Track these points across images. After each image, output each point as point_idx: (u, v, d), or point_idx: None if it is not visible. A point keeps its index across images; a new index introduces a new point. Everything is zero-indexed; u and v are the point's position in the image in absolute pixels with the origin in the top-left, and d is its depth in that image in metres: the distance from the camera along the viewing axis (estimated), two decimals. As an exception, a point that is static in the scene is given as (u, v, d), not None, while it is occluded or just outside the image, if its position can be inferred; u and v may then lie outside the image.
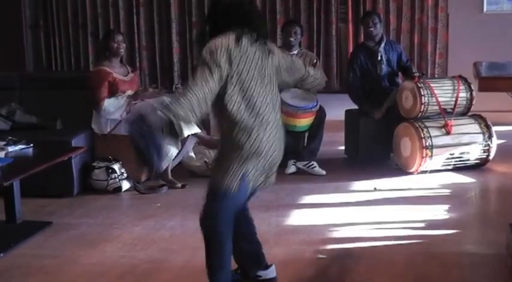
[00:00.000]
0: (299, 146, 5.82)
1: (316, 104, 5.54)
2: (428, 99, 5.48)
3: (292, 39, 5.86)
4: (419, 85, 5.51)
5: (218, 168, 3.06)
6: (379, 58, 5.96)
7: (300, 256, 3.87)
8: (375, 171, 5.63)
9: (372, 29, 5.95)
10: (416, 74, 5.76)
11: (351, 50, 7.96)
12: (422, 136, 5.40)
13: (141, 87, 5.77)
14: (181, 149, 5.42)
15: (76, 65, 8.82)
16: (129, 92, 5.48)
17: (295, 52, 5.89)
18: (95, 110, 5.43)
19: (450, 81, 5.71)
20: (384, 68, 5.99)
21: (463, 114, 5.71)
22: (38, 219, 4.68)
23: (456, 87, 5.62)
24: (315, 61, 5.98)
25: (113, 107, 5.38)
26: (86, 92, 5.47)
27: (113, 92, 5.42)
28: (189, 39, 8.49)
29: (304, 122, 5.53)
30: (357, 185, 5.36)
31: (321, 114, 5.67)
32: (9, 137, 4.80)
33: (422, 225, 4.42)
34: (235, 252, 3.24)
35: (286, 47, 5.86)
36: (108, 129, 5.44)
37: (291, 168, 5.69)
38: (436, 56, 8.05)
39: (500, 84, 5.94)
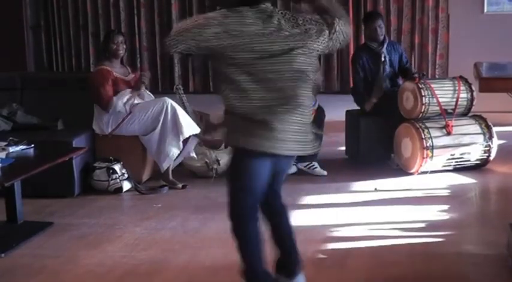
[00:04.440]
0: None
1: (314, 103, 5.53)
2: (429, 100, 5.49)
3: None
4: (420, 86, 5.51)
5: None
6: (382, 59, 5.96)
7: (301, 256, 3.87)
8: (375, 171, 5.64)
9: (379, 33, 5.93)
10: (416, 75, 5.78)
11: (351, 50, 7.97)
12: (423, 137, 5.40)
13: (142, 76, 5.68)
14: (182, 149, 5.43)
15: (77, 65, 8.84)
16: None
17: None
18: (103, 110, 5.41)
19: (451, 82, 5.72)
20: (387, 68, 6.00)
21: (464, 114, 5.71)
22: (39, 220, 4.69)
23: (457, 88, 5.62)
24: None
25: (121, 102, 5.37)
26: (87, 92, 5.48)
27: (115, 92, 5.42)
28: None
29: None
30: (358, 185, 5.37)
31: (320, 115, 5.67)
32: (11, 138, 4.81)
33: (422, 225, 4.42)
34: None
35: None
36: (109, 130, 5.45)
37: (292, 169, 5.69)
38: (437, 57, 8.05)
39: (501, 84, 5.93)
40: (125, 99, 5.37)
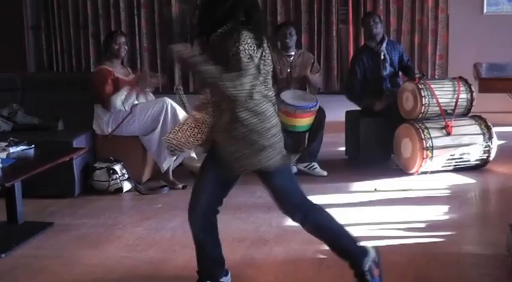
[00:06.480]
0: (300, 147, 5.82)
1: (316, 104, 5.52)
2: (428, 100, 5.50)
3: (288, 40, 5.88)
4: (420, 86, 5.52)
5: None
6: (382, 57, 5.97)
7: (300, 256, 3.88)
8: (375, 172, 5.64)
9: (373, 27, 5.96)
10: (418, 75, 5.79)
11: (351, 51, 7.98)
12: (423, 137, 5.41)
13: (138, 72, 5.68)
14: (182, 149, 5.42)
15: (77, 66, 8.83)
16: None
17: (292, 53, 5.93)
18: (104, 108, 5.41)
19: (450, 82, 5.72)
20: (387, 67, 6.01)
21: (464, 115, 5.72)
22: (40, 220, 4.69)
23: (456, 88, 5.63)
24: (312, 62, 6.01)
25: (120, 100, 5.37)
26: (88, 92, 5.49)
27: (116, 91, 5.41)
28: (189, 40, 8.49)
29: (303, 122, 5.52)
30: (358, 185, 5.38)
31: (320, 116, 5.67)
32: (11, 138, 4.81)
33: (422, 225, 4.43)
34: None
35: (283, 48, 5.90)
36: (110, 130, 5.45)
37: (292, 170, 5.70)
38: (437, 57, 8.05)
39: (501, 85, 5.92)
40: (123, 97, 5.37)
